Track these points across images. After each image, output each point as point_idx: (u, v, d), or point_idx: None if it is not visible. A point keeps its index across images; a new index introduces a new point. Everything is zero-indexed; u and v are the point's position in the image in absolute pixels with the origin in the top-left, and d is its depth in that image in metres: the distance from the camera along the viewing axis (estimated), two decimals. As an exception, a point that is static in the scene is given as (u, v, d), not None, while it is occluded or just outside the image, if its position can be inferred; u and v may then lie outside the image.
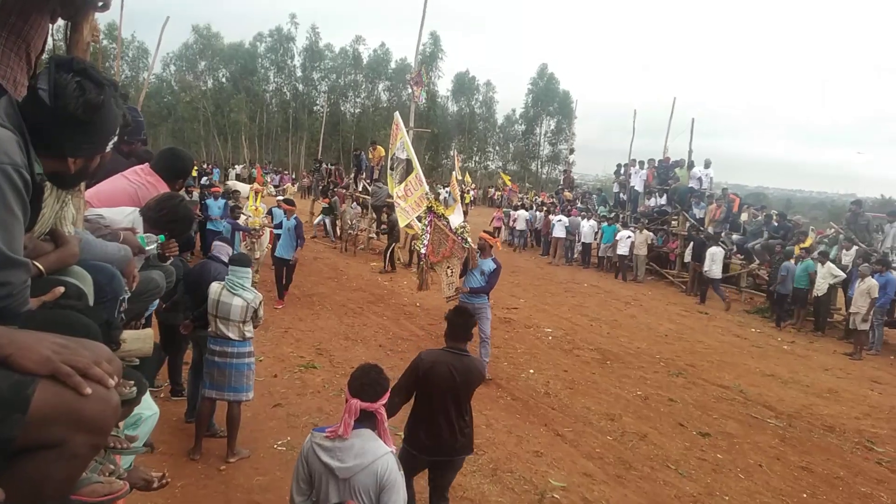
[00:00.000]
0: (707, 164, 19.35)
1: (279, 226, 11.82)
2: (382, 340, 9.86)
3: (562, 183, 29.25)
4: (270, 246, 12.33)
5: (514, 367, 9.04)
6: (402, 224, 10.24)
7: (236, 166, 45.54)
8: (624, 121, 38.95)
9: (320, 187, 23.21)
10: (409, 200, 9.50)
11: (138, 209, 2.94)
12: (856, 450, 7.09)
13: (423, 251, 9.20)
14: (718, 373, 9.62)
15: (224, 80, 59.73)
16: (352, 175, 20.98)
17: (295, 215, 11.47)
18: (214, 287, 5.56)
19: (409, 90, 19.25)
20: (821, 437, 7.36)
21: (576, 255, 20.87)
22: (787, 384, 9.38)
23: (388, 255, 16.16)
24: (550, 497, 5.45)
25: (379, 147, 19.98)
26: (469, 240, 8.65)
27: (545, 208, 24.17)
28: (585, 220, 20.44)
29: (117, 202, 3.00)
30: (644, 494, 5.70)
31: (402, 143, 10.82)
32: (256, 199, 13.40)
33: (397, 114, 11.89)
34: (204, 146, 56.00)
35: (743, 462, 6.53)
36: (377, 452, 2.73)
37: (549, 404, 7.69)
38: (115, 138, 1.67)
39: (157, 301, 4.53)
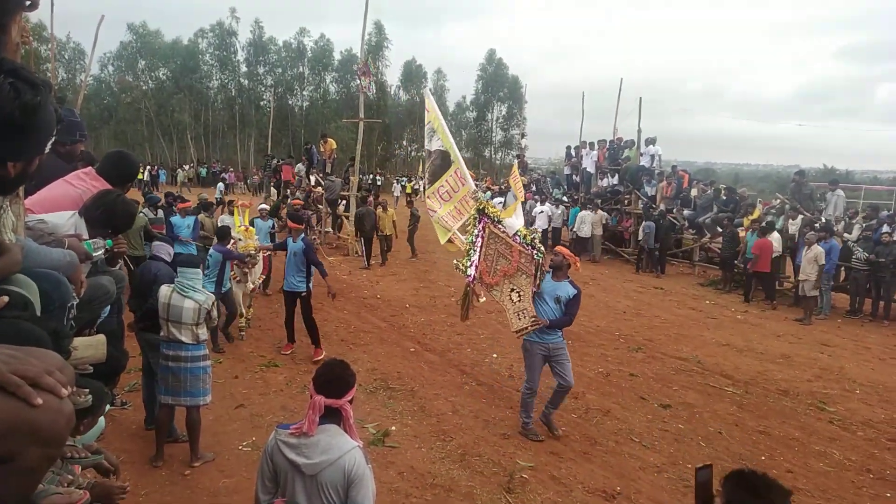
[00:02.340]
0: (650, 142, 19.61)
1: (281, 246, 9.00)
2: (344, 335, 9.80)
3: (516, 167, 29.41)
4: (263, 276, 10.79)
5: (477, 353, 9.10)
6: (441, 240, 7.54)
7: (185, 167, 44.48)
8: (574, 104, 39.36)
9: (272, 183, 22.84)
10: (447, 206, 7.14)
11: (78, 212, 2.84)
12: (809, 411, 7.37)
13: (470, 272, 6.55)
14: (676, 346, 9.86)
15: (165, 78, 57.99)
16: (303, 170, 20.70)
17: (303, 236, 8.69)
18: (164, 290, 5.41)
19: (357, 81, 19.04)
20: (776, 402, 7.62)
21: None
22: (743, 352, 9.67)
23: (365, 248, 16.10)
24: (519, 477, 5.52)
25: (330, 140, 19.76)
26: (542, 249, 6.26)
27: (492, 193, 24.76)
28: (539, 203, 20.62)
29: (62, 208, 2.89)
30: (610, 468, 5.82)
31: (434, 129, 7.69)
32: (244, 216, 10.75)
33: (427, 91, 8.94)
34: (148, 147, 54.31)
35: (703, 430, 6.72)
36: (344, 448, 2.70)
37: (514, 387, 7.76)
38: (53, 139, 1.61)
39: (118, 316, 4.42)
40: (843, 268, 13.08)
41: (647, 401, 7.49)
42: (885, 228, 12.50)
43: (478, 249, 6.47)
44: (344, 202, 17.73)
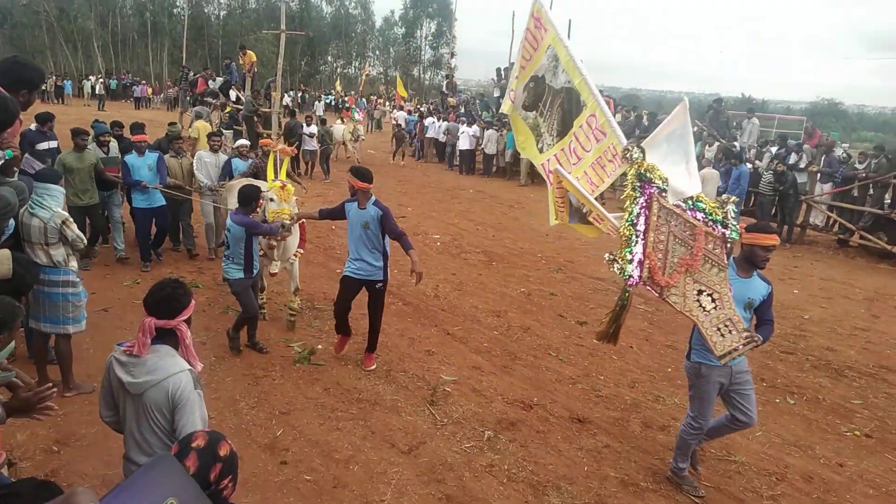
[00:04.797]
0: None
1: (334, 213, 6.13)
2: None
3: (444, 88, 28.95)
4: (301, 252, 7.23)
5: (404, 274, 9.17)
6: (551, 219, 4.98)
7: (91, 77, 41.38)
8: (504, 24, 38.66)
9: (188, 98, 21.57)
10: (579, 169, 4.56)
11: None
12: (712, 327, 7.87)
13: (632, 272, 4.09)
14: (595, 267, 10.24)
15: (66, -21, 53.09)
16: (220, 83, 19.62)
17: (374, 199, 5.87)
18: (23, 208, 4.90)
19: (279, -10, 17.96)
20: (684, 318, 8.07)
21: (455, 162, 21.11)
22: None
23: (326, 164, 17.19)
24: (442, 391, 5.72)
25: (249, 52, 18.66)
26: (737, 227, 4.23)
27: (418, 113, 24.76)
28: (467, 126, 20.49)
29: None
30: (528, 380, 6.10)
31: (557, 55, 4.67)
32: (281, 165, 7.28)
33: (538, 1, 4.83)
34: (51, 56, 50.08)
35: (616, 345, 7.08)
36: (170, 370, 2.64)
37: (439, 306, 7.93)
38: None
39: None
40: (752, 193, 13.78)
41: (565, 318, 7.81)
42: (792, 157, 13.15)
43: (642, 235, 4.11)
44: (262, 119, 16.97)
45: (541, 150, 4.96)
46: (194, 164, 8.86)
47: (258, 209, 6.27)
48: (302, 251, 7.23)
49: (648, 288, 4.13)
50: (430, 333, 7.10)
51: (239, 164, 8.78)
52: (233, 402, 5.30)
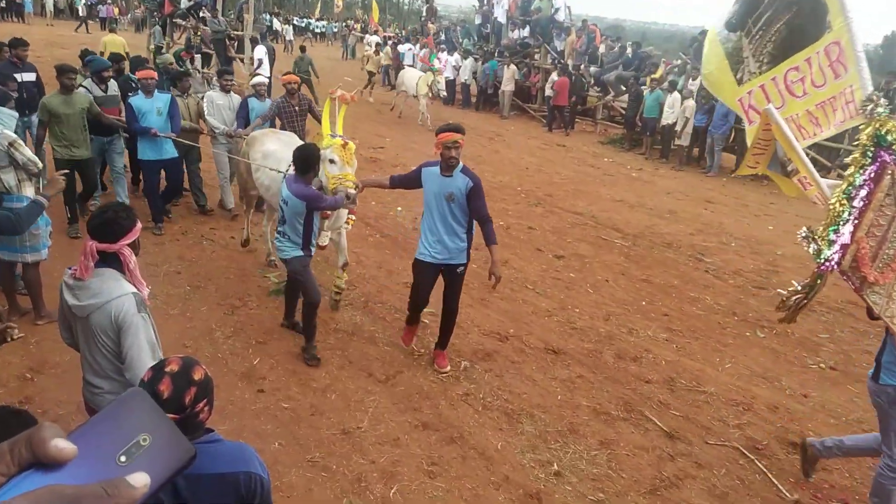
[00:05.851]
0: None
1: (408, 181, 5.16)
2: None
3: (424, 14, 28.05)
4: (352, 218, 5.84)
5: (382, 206, 9.09)
6: (748, 165, 4.11)
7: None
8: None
9: (156, 19, 20.55)
10: (796, 105, 3.73)
11: None
12: (688, 262, 7.97)
13: (832, 255, 3.15)
14: (573, 201, 10.22)
15: None
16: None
17: (462, 166, 4.87)
18: None
19: None
20: (660, 253, 8.17)
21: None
22: (634, 208, 10.18)
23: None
24: (420, 322, 5.74)
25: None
26: None
27: (390, 41, 23.99)
28: (447, 53, 19.95)
29: None
30: (505, 313, 6.16)
31: None
32: (338, 116, 5.55)
33: None
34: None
35: (592, 279, 7.16)
36: (113, 293, 2.62)
37: (418, 238, 7.88)
38: None
39: None
40: (733, 129, 13.73)
41: (542, 252, 7.84)
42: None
43: (857, 213, 3.17)
44: (235, 42, 16.27)
45: (739, 82, 4.01)
46: (205, 108, 7.59)
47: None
48: (354, 218, 5.85)
49: (845, 278, 3.25)
50: (408, 266, 7.00)
51: (256, 106, 7.55)
52: (209, 332, 5.29)
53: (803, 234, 3.33)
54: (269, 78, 15.08)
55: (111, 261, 2.67)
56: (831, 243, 3.16)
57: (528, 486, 3.88)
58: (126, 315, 2.61)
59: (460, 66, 19.35)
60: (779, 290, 4.21)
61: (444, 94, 16.25)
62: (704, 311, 6.63)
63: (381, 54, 22.00)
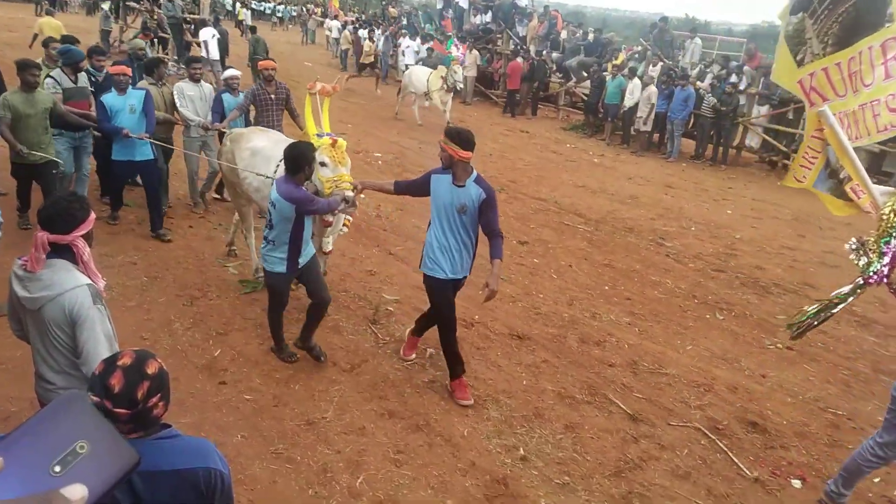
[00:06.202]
0: None
1: (417, 188, 4.68)
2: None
3: (386, -1, 27.78)
4: (349, 219, 5.48)
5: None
6: (813, 187, 3.80)
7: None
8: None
9: (109, 5, 19.86)
10: (845, 104, 3.50)
11: None
12: (649, 246, 8.07)
13: (876, 271, 3.11)
14: (536, 187, 10.26)
15: None
16: None
17: (476, 175, 4.62)
18: None
19: None
20: (622, 238, 8.26)
21: (399, 77, 20.50)
22: (596, 193, 10.26)
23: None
24: (384, 310, 5.70)
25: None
26: None
27: (351, 25, 23.68)
28: (409, 38, 19.77)
29: None
30: (469, 299, 6.12)
31: None
32: (322, 108, 5.22)
33: None
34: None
35: (556, 264, 7.20)
36: (66, 285, 2.52)
37: (381, 226, 7.83)
38: None
39: None
40: (692, 114, 13.94)
41: (506, 238, 7.77)
42: (733, 78, 13.27)
43: None
44: (192, 26, 15.87)
45: (800, 63, 3.73)
46: (176, 100, 7.05)
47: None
48: (350, 219, 5.47)
49: (893, 290, 3.13)
50: (371, 253, 7.02)
51: (230, 101, 7.09)
52: (167, 323, 5.16)
53: (853, 246, 3.22)
54: (220, 62, 14.78)
55: (63, 251, 2.57)
56: (882, 255, 3.04)
57: (495, 471, 3.89)
58: (81, 308, 2.51)
59: (420, 52, 19.17)
60: (786, 321, 4.07)
61: (462, 85, 14.14)
62: (665, 294, 6.72)
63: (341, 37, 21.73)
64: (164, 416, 1.92)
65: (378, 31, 21.92)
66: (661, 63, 14.57)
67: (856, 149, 3.37)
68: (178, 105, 7.07)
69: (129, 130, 6.20)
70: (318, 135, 4.80)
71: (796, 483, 4.05)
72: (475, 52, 18.03)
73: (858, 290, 3.27)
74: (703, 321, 6.20)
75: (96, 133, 6.71)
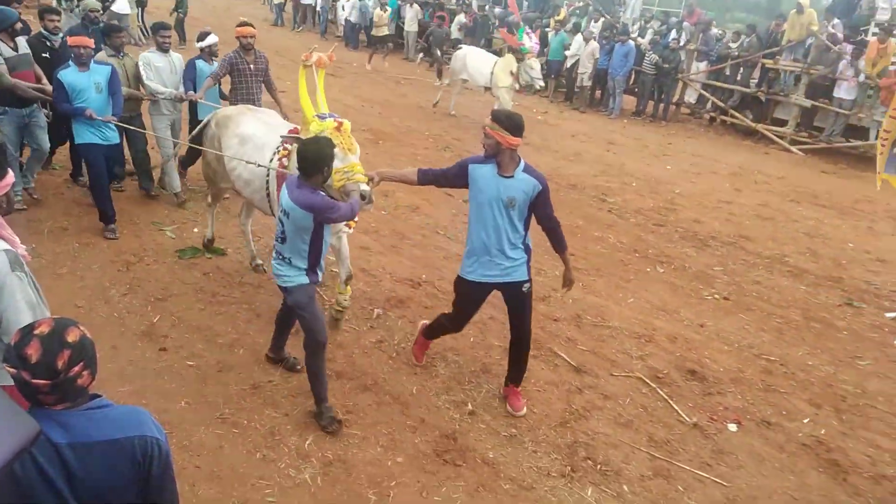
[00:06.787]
0: None
1: (447, 178, 4.08)
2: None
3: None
4: (354, 220, 4.39)
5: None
6: (884, 171, 3.95)
7: None
8: None
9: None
10: None
11: None
12: (592, 202, 8.18)
13: None
14: (480, 144, 10.20)
15: None
16: None
17: (524, 164, 3.91)
18: None
19: None
20: (566, 194, 8.33)
21: (338, 32, 19.97)
22: (540, 150, 10.30)
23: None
24: (329, 271, 5.61)
25: None
26: None
27: None
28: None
29: None
30: (416, 259, 6.13)
31: None
32: (318, 81, 4.48)
33: None
34: None
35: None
36: None
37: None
38: None
39: None
40: (633, 70, 14.05)
41: (452, 197, 7.81)
42: (674, 34, 13.40)
43: None
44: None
45: None
46: (142, 71, 6.27)
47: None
48: (356, 220, 4.28)
49: None
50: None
51: (205, 68, 6.48)
52: (102, 290, 4.97)
53: None
54: (135, 13, 13.91)
55: None
56: None
57: (444, 426, 3.93)
58: None
59: (365, 10, 18.59)
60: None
61: (542, 84, 11.58)
62: (608, 249, 6.85)
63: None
64: (103, 386, 1.84)
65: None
66: (602, 18, 14.58)
67: None
68: (143, 78, 6.29)
69: (93, 111, 5.33)
70: (318, 116, 4.14)
71: (732, 427, 4.24)
72: (416, 6, 17.66)
73: None
74: (643, 274, 6.35)
75: (45, 110, 5.99)
